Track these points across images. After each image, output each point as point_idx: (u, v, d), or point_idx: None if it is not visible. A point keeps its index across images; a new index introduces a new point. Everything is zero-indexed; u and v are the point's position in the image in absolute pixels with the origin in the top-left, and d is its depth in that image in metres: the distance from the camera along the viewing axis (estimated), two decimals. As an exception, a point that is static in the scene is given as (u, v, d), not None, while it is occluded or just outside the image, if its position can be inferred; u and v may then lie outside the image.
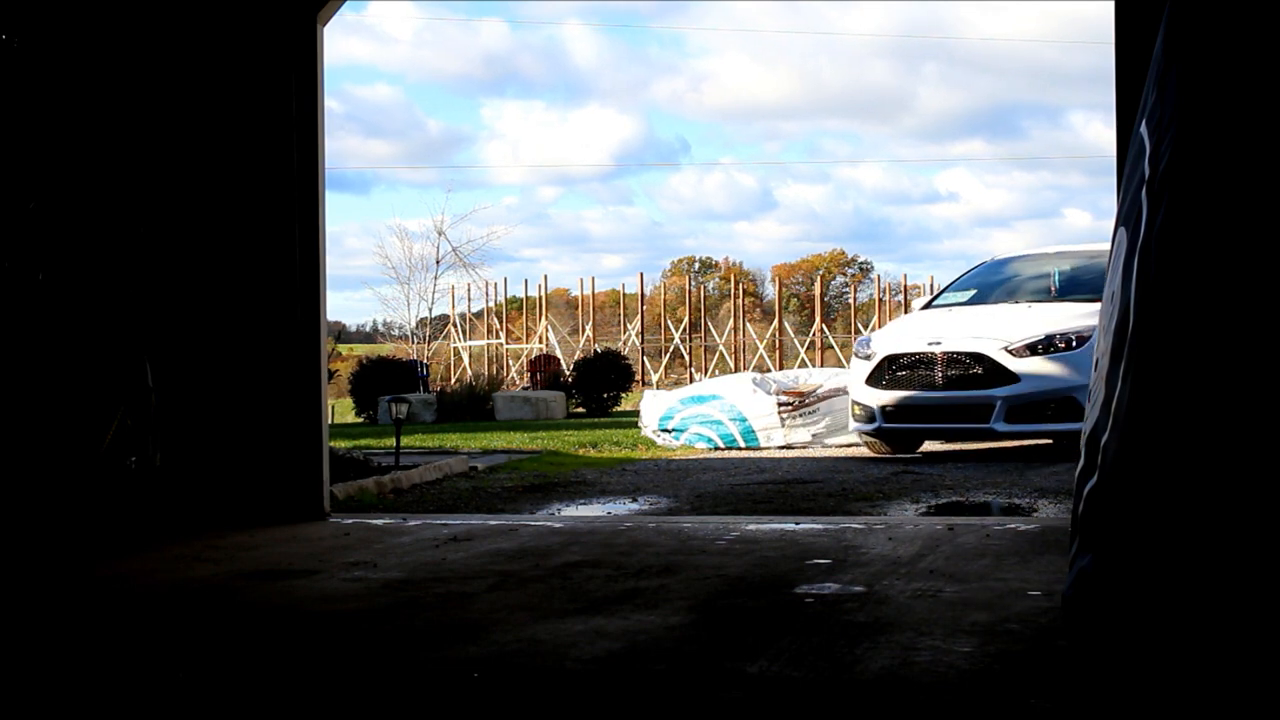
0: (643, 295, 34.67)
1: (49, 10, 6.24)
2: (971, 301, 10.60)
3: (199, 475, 6.19)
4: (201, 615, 3.92)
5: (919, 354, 9.64)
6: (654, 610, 3.72)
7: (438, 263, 32.66)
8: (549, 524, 5.98)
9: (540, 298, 35.60)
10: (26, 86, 6.21)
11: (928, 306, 10.99)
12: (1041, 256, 11.18)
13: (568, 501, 7.40)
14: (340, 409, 24.09)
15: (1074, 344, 9.17)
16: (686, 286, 40.41)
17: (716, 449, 11.34)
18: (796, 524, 5.60)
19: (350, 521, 6.08)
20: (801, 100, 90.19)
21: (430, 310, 33.98)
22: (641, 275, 34.95)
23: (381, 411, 19.29)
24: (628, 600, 3.89)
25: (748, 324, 33.69)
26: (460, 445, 12.16)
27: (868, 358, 9.97)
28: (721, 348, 33.34)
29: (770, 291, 49.93)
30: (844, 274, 57.23)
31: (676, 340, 33.87)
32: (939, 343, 9.56)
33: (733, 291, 34.60)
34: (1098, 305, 9.89)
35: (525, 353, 33.30)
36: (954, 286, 11.24)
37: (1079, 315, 9.43)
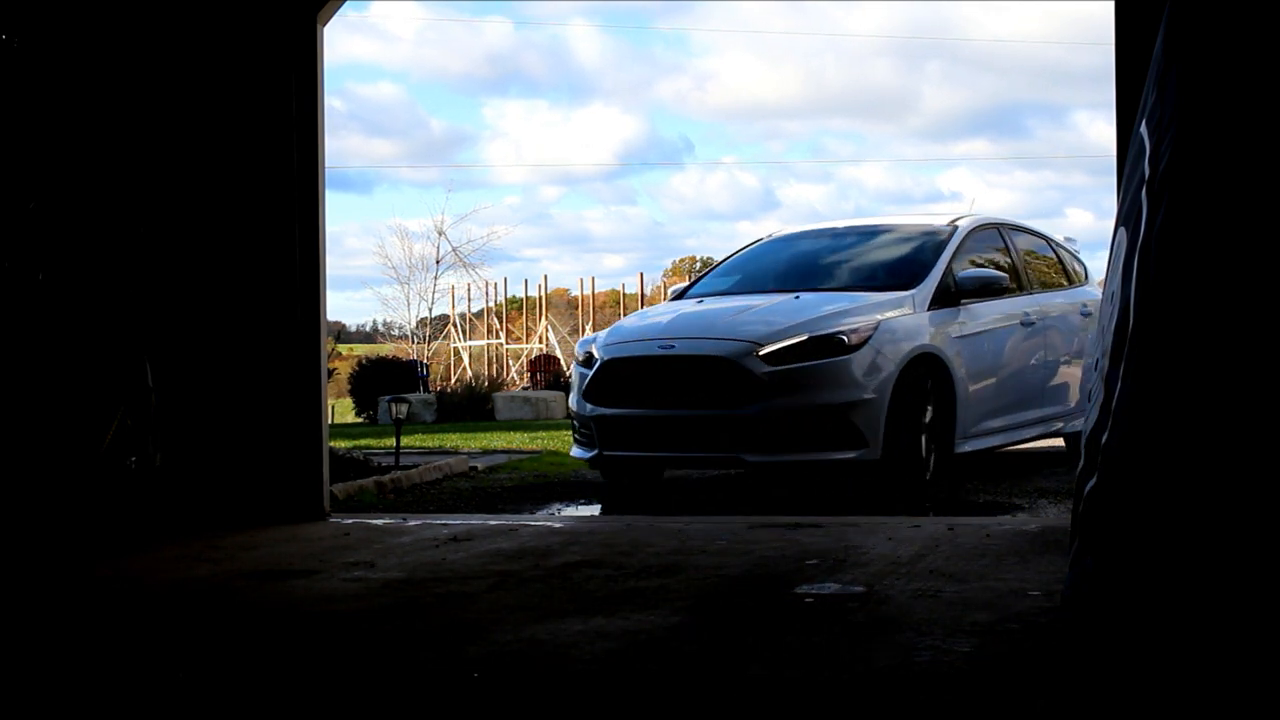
0: (643, 295, 34.67)
1: (49, 10, 6.24)
2: (733, 290, 8.36)
3: (199, 475, 6.19)
4: (201, 615, 3.92)
5: (649, 359, 7.34)
6: (654, 610, 3.72)
7: (438, 263, 32.70)
8: (549, 524, 5.98)
9: (540, 298, 35.61)
10: (27, 86, 6.21)
11: (681, 296, 8.73)
12: (831, 233, 9.00)
13: (568, 501, 7.40)
14: (340, 409, 24.09)
15: (851, 344, 6.98)
16: (686, 286, 40.36)
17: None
18: (796, 524, 5.60)
19: (350, 521, 6.08)
20: (805, 100, 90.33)
21: (430, 310, 34.01)
22: (641, 275, 34.95)
23: (381, 411, 19.29)
24: (628, 600, 3.89)
25: (748, 324, 33.63)
26: (460, 445, 12.16)
27: (588, 362, 7.66)
28: (721, 348, 33.28)
29: (770, 291, 49.80)
30: (844, 274, 57.08)
31: (676, 340, 33.80)
32: (673, 345, 7.29)
33: (733, 291, 34.54)
34: (894, 294, 7.60)
35: (525, 353, 33.31)
36: (717, 271, 9.09)
37: (865, 306, 7.35)
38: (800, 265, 8.56)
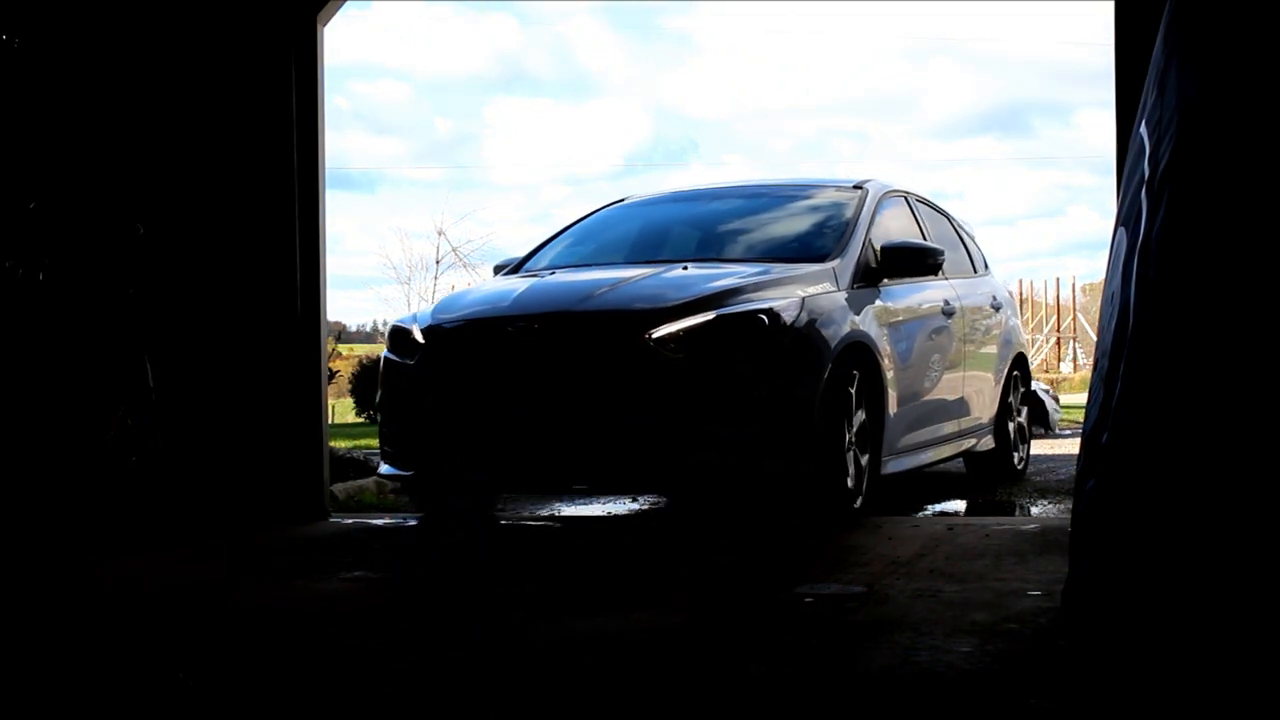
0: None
1: (49, 10, 6.25)
2: (591, 262, 6.52)
3: (200, 475, 6.19)
4: (201, 615, 3.92)
5: (498, 340, 5.45)
6: (654, 609, 3.72)
7: (438, 263, 32.69)
8: (549, 523, 5.98)
9: (540, 297, 35.56)
10: (27, 86, 6.22)
11: (515, 270, 6.69)
12: (703, 195, 7.23)
13: (568, 501, 7.40)
14: (340, 409, 24.08)
15: (778, 324, 5.28)
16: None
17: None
18: (795, 522, 5.59)
19: (350, 521, 6.08)
20: (810, 99, 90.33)
21: (430, 310, 33.99)
22: (642, 275, 34.84)
23: (382, 411, 19.24)
24: (628, 599, 3.89)
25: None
26: (460, 445, 12.12)
27: (407, 348, 5.75)
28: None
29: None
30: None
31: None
32: (533, 325, 5.40)
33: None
34: (810, 266, 5.84)
35: (525, 352, 33.20)
36: (561, 239, 7.02)
37: (780, 279, 5.64)
38: (674, 233, 6.86)
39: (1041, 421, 13.48)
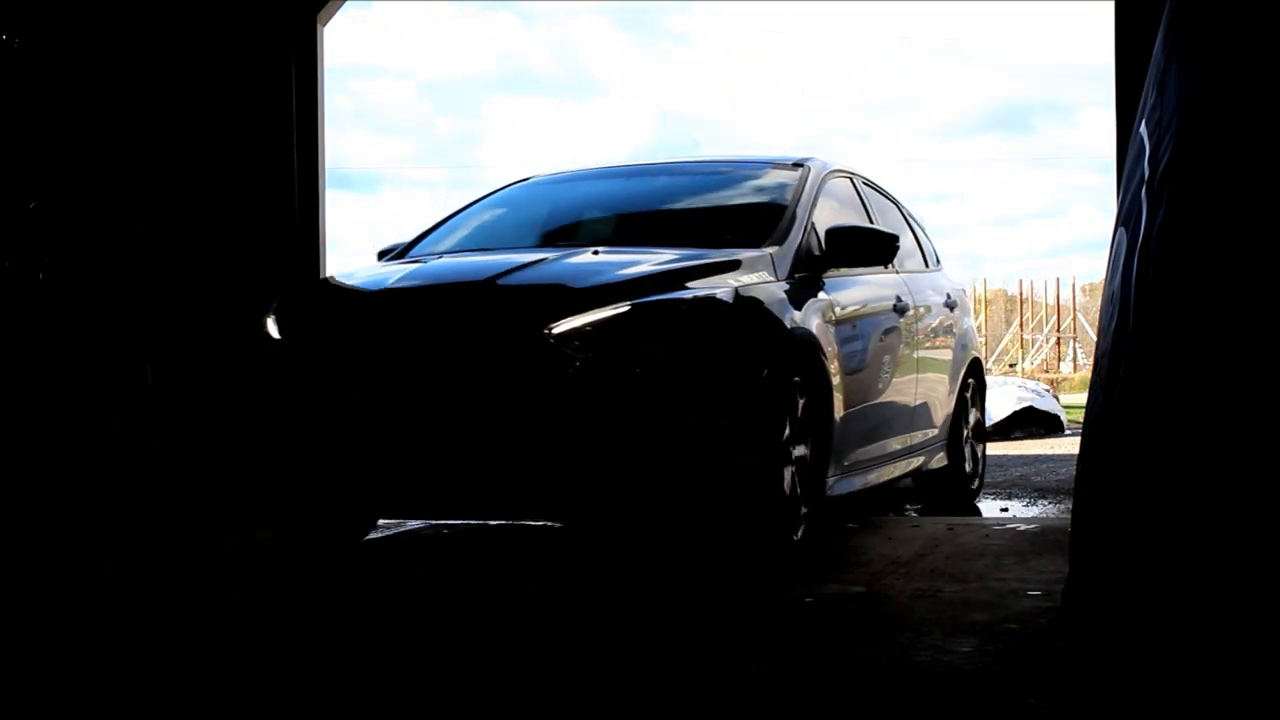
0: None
1: (50, 10, 6.25)
2: (489, 246, 5.64)
3: (200, 475, 6.20)
4: (201, 615, 3.92)
5: (368, 328, 4.53)
6: (653, 610, 3.72)
7: (438, 263, 32.73)
8: (549, 523, 5.98)
9: (541, 298, 35.54)
10: (27, 86, 6.23)
11: (401, 255, 5.74)
12: (622, 173, 6.33)
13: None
14: (341, 409, 24.06)
15: (703, 317, 4.37)
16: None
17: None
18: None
19: (350, 521, 6.07)
20: (811, 98, 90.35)
21: (431, 310, 33.96)
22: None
23: (382, 411, 19.24)
24: (628, 599, 3.89)
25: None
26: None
27: (262, 340, 4.75)
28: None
29: (771, 291, 49.66)
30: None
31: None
32: (406, 312, 4.54)
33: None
34: (745, 252, 4.97)
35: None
36: (458, 220, 6.08)
37: (709, 265, 4.70)
38: (588, 215, 6.00)
39: (1045, 425, 13.49)
